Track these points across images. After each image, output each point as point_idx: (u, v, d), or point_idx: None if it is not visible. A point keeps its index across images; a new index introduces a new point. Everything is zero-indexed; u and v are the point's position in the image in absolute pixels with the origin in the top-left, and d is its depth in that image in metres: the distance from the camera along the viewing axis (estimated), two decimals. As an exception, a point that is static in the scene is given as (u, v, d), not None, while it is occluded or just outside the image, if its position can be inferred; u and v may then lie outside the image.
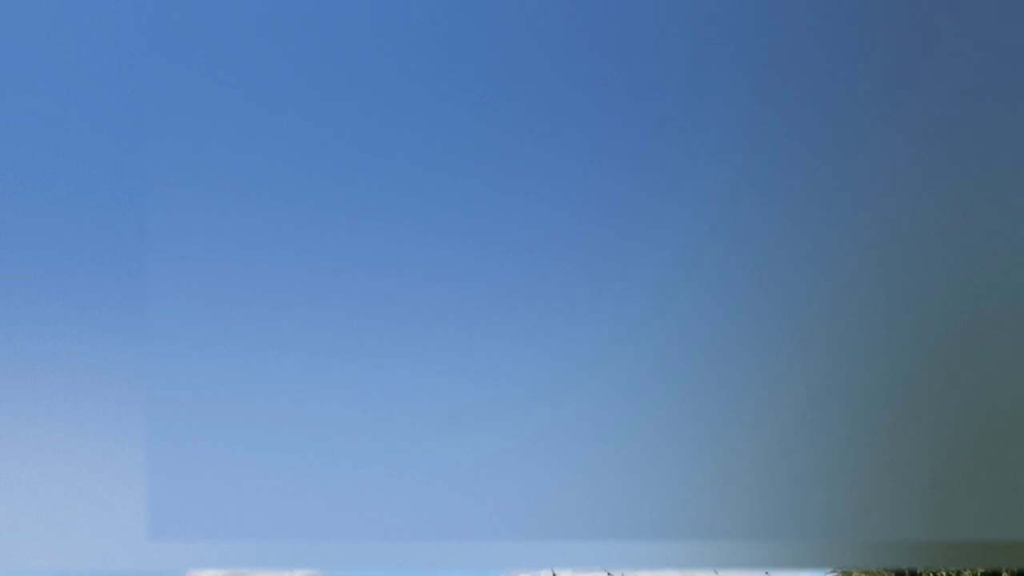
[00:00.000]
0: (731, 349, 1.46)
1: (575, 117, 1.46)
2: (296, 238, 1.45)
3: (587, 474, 1.43)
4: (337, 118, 1.46)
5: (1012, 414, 1.45)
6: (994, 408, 1.46)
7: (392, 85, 1.47)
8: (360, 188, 1.43)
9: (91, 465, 1.44)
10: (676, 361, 1.45)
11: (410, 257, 1.45)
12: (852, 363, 1.46)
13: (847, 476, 1.44)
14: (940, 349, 1.47)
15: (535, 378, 1.45)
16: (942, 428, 1.45)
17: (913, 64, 1.50)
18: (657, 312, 1.46)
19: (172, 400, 1.44)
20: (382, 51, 1.45)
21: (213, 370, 1.45)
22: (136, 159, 1.45)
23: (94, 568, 1.49)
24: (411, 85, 1.47)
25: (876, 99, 1.48)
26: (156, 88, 1.46)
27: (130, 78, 1.44)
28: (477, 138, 1.43)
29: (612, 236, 1.46)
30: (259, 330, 1.44)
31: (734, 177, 1.47)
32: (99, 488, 1.44)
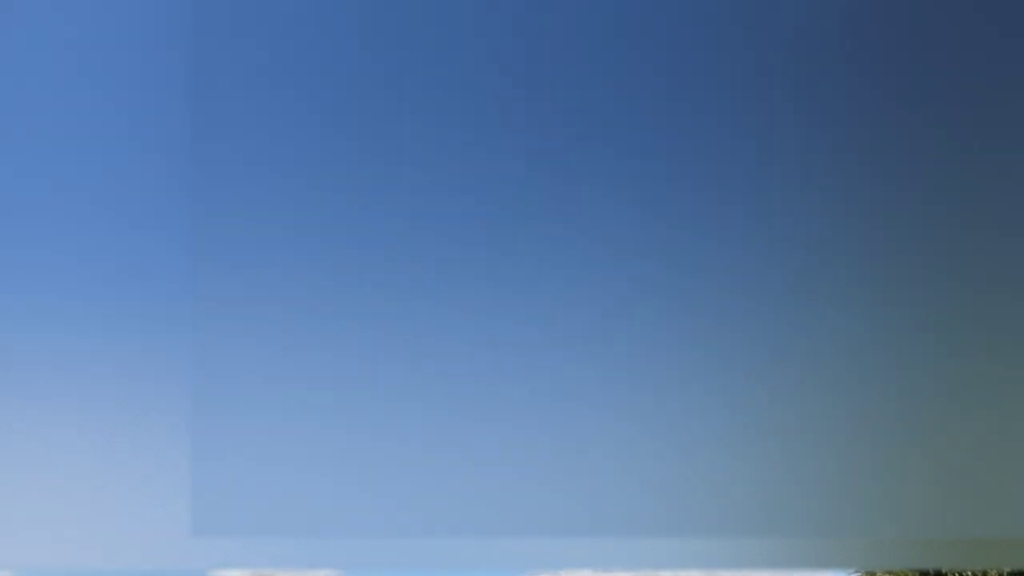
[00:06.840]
0: (756, 347, 1.48)
1: (575, 115, 1.49)
2: (346, 236, 1.48)
3: (605, 471, 1.45)
4: (375, 118, 1.49)
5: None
6: (1021, 401, 1.47)
7: (412, 83, 1.50)
8: (406, 189, 1.46)
9: (133, 461, 1.47)
10: (692, 358, 1.47)
11: (441, 262, 1.48)
12: (873, 359, 1.48)
13: (867, 474, 1.46)
14: (960, 342, 1.49)
15: (548, 378, 1.47)
16: (965, 423, 1.47)
17: (914, 65, 1.52)
18: (661, 310, 1.48)
19: (216, 395, 1.47)
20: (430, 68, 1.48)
21: (258, 367, 1.48)
22: (183, 154, 1.48)
23: (136, 564, 1.52)
24: (425, 85, 1.49)
25: (890, 99, 1.50)
26: (203, 84, 1.49)
27: (176, 74, 1.48)
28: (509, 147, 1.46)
29: (616, 232, 1.48)
30: (306, 329, 1.47)
31: (738, 175, 1.49)
32: (141, 484, 1.47)
